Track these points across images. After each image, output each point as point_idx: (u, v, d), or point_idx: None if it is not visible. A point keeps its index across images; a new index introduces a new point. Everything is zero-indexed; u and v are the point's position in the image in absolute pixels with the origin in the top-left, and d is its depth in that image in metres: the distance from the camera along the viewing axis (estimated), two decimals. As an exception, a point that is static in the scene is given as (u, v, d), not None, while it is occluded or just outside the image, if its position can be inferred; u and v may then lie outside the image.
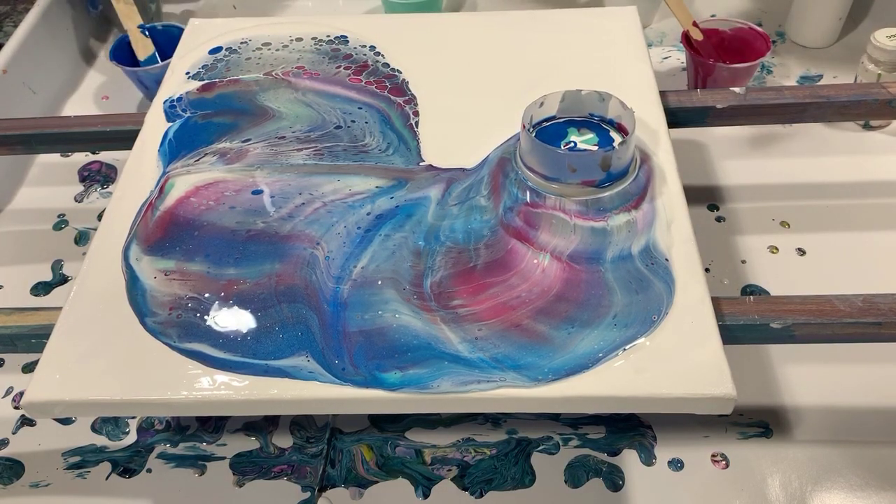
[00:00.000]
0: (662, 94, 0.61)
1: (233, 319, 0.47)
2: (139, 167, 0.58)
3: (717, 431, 0.54)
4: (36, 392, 0.44)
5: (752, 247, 0.65)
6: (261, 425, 0.57)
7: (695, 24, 0.75)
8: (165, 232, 0.52)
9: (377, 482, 0.53)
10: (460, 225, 0.52)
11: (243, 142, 0.59)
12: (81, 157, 0.79)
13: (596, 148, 0.53)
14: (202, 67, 0.66)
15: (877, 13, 0.86)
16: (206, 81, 0.65)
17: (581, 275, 0.48)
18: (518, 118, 0.52)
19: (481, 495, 0.52)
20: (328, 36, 0.69)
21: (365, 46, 0.67)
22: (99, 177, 0.77)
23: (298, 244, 0.51)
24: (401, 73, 0.65)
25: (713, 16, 0.87)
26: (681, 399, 0.42)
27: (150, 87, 0.79)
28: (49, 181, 0.77)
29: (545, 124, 0.55)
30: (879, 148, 0.73)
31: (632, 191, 0.51)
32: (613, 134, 0.54)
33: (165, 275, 0.49)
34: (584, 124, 0.55)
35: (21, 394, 0.56)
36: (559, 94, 0.54)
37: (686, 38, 0.75)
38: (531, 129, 0.52)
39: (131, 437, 0.57)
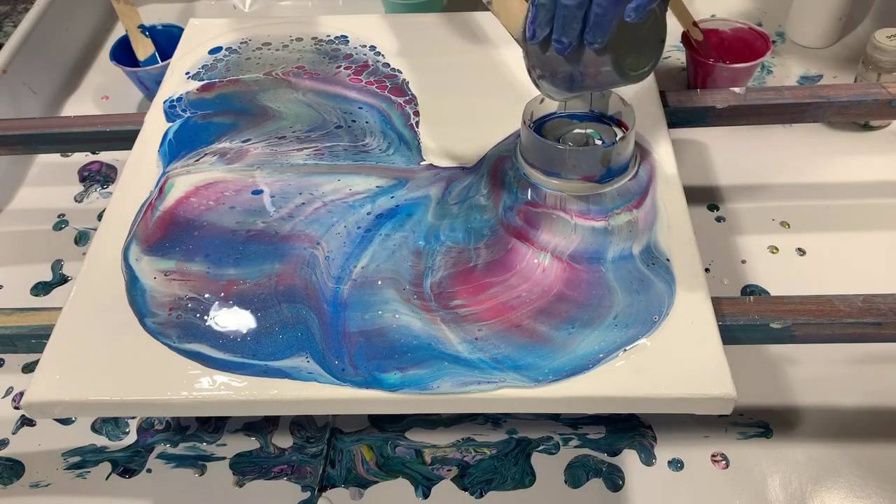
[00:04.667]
0: (662, 94, 0.61)
1: (233, 320, 0.47)
2: (139, 167, 0.58)
3: (717, 431, 0.54)
4: (36, 392, 0.44)
5: (752, 247, 0.65)
6: (261, 425, 0.57)
7: (695, 24, 0.75)
8: (165, 232, 0.52)
9: (377, 482, 0.53)
10: (460, 224, 0.52)
11: (243, 142, 0.59)
12: (81, 157, 0.79)
13: (599, 143, 0.53)
14: (202, 67, 0.66)
15: (877, 13, 0.86)
16: (206, 81, 0.65)
17: (582, 275, 0.48)
18: (518, 118, 0.52)
19: (481, 495, 0.52)
20: (328, 36, 0.69)
21: (365, 46, 0.67)
22: (99, 177, 0.77)
23: (298, 244, 0.51)
24: (401, 73, 0.65)
25: (713, 16, 0.87)
26: (681, 399, 0.42)
27: (150, 87, 0.79)
28: (49, 181, 0.77)
29: (546, 121, 0.55)
30: (879, 148, 0.73)
31: (632, 190, 0.51)
32: (614, 129, 0.54)
33: (165, 275, 0.49)
34: (584, 119, 0.55)
35: (21, 394, 0.56)
36: None
37: (686, 38, 0.75)
38: (531, 125, 0.52)
39: (131, 437, 0.57)
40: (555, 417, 0.56)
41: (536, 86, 0.49)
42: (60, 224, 0.72)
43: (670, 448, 0.54)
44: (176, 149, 0.59)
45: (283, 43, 0.68)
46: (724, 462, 0.53)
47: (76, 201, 0.75)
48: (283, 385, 0.44)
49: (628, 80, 0.46)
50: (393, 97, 0.62)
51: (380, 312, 0.47)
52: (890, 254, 0.64)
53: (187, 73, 0.66)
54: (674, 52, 0.86)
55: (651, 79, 0.61)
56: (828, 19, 0.83)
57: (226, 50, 0.68)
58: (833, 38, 0.85)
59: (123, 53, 0.80)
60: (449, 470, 0.53)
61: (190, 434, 0.56)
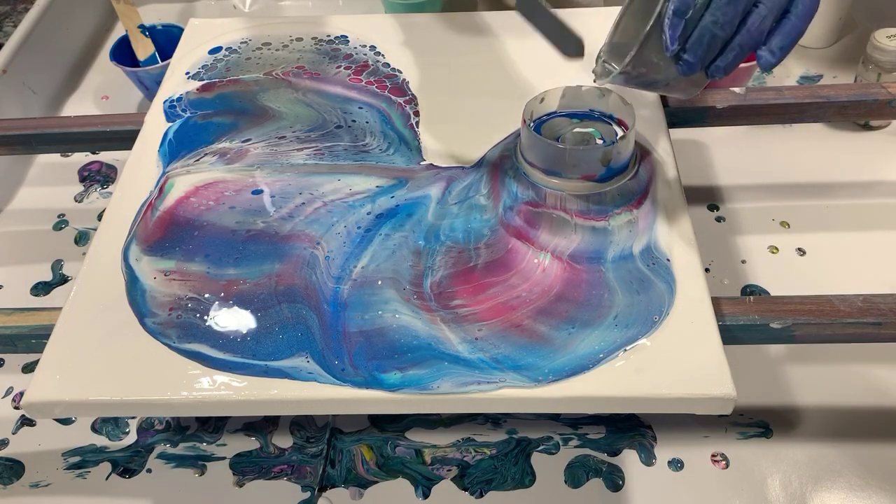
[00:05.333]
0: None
1: (233, 320, 0.47)
2: (139, 167, 0.58)
3: (717, 431, 0.54)
4: (36, 392, 0.44)
5: (752, 247, 0.65)
6: (261, 425, 0.57)
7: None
8: (165, 232, 0.52)
9: (377, 482, 0.53)
10: (460, 224, 0.52)
11: (243, 142, 0.59)
12: (81, 157, 0.79)
13: (600, 142, 0.53)
14: (202, 67, 0.66)
15: (877, 13, 0.86)
16: (206, 81, 0.65)
17: (582, 275, 0.48)
18: (518, 117, 0.52)
19: (481, 495, 0.52)
20: (328, 36, 0.69)
21: (365, 46, 0.67)
22: (99, 177, 0.77)
23: (298, 244, 0.51)
24: (401, 73, 0.65)
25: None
26: (681, 399, 0.42)
27: (150, 87, 0.79)
28: (49, 181, 0.77)
29: (546, 120, 0.55)
30: (879, 148, 0.73)
31: (633, 190, 0.51)
32: (614, 128, 0.54)
33: (165, 275, 0.49)
34: (584, 119, 0.55)
35: (21, 394, 0.56)
36: (560, 89, 0.54)
37: (686, 38, 0.75)
38: (531, 125, 0.52)
39: (131, 437, 0.57)
40: (555, 417, 0.56)
41: (596, 73, 0.48)
42: (60, 224, 0.72)
43: (670, 448, 0.54)
44: (176, 149, 0.59)
45: (283, 43, 0.68)
46: (724, 462, 0.53)
47: (76, 201, 0.75)
48: (283, 385, 0.44)
49: (689, 97, 0.48)
50: (393, 97, 0.62)
51: (380, 312, 0.47)
52: (890, 254, 0.64)
53: (187, 73, 0.66)
54: (674, 52, 0.86)
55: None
56: (828, 19, 0.83)
57: (226, 50, 0.68)
58: (833, 38, 0.85)
59: (123, 53, 0.80)
60: (449, 470, 0.53)
61: (190, 434, 0.56)
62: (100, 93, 0.87)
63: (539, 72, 0.63)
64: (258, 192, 0.55)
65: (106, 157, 0.79)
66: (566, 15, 0.68)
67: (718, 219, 0.68)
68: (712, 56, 0.43)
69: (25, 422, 0.58)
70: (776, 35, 0.43)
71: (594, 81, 0.50)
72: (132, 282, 0.49)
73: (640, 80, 0.46)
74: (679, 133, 0.65)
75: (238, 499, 0.53)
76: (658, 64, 0.44)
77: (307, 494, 0.53)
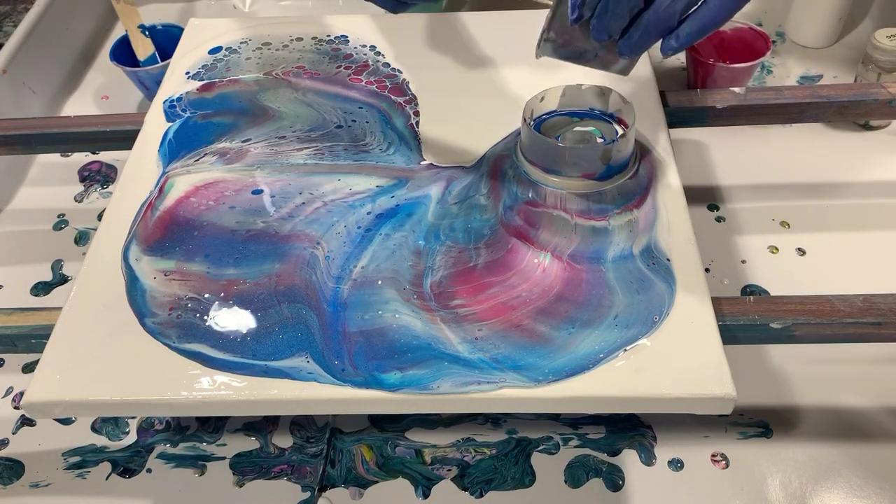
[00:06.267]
0: (662, 94, 0.61)
1: (232, 320, 0.47)
2: (139, 167, 0.58)
3: (717, 431, 0.54)
4: (36, 392, 0.44)
5: (752, 247, 0.65)
6: (261, 425, 0.57)
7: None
8: (165, 232, 0.52)
9: (377, 482, 0.53)
10: (460, 224, 0.52)
11: (243, 142, 0.59)
12: (81, 157, 0.79)
13: (601, 140, 0.53)
14: (202, 67, 0.66)
15: (877, 13, 0.86)
16: (206, 81, 0.65)
17: (582, 274, 0.48)
18: (518, 117, 0.52)
19: (481, 495, 0.52)
20: (328, 36, 0.69)
21: (365, 46, 0.67)
22: (99, 177, 0.77)
23: (298, 244, 0.51)
24: (401, 72, 0.65)
25: (713, 16, 0.87)
26: (681, 399, 0.42)
27: (150, 87, 0.79)
28: (49, 181, 0.77)
29: (546, 118, 0.55)
30: (879, 148, 0.73)
31: (633, 190, 0.51)
32: (614, 127, 0.54)
33: (165, 275, 0.49)
34: (584, 117, 0.55)
35: (21, 394, 0.56)
36: (560, 88, 0.54)
37: (686, 38, 0.75)
38: (532, 123, 0.52)
39: (131, 437, 0.57)
40: (555, 417, 0.56)
41: (538, 44, 0.49)
42: (60, 224, 0.72)
43: (670, 448, 0.54)
44: (176, 149, 0.59)
45: (283, 43, 0.68)
46: (724, 462, 0.53)
47: (76, 201, 0.75)
48: (283, 385, 0.44)
49: (625, 75, 0.49)
50: (393, 97, 0.62)
51: (380, 312, 0.47)
52: (890, 254, 0.64)
53: (187, 73, 0.66)
54: (674, 52, 0.86)
55: (651, 79, 0.61)
56: (828, 19, 0.83)
57: (226, 50, 0.68)
58: (833, 38, 0.85)
59: (123, 53, 0.80)
60: (449, 470, 0.53)
61: (190, 434, 0.57)
62: (100, 93, 0.87)
63: (539, 71, 0.63)
64: (258, 191, 0.55)
65: (106, 157, 0.79)
66: (540, 14, 0.68)
67: (718, 219, 0.68)
68: (618, 24, 0.43)
69: (25, 422, 0.58)
70: (688, 20, 0.42)
71: (536, 55, 0.50)
72: (132, 282, 0.49)
73: (570, 50, 0.48)
74: (679, 133, 0.65)
75: (238, 499, 0.53)
76: (577, 31, 0.45)
77: (307, 494, 0.53)
